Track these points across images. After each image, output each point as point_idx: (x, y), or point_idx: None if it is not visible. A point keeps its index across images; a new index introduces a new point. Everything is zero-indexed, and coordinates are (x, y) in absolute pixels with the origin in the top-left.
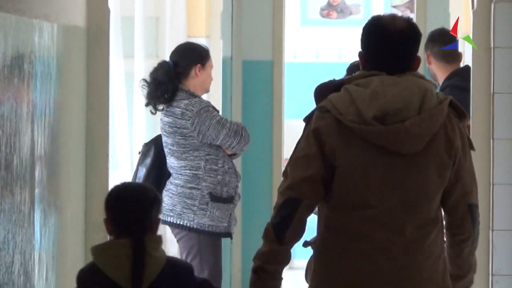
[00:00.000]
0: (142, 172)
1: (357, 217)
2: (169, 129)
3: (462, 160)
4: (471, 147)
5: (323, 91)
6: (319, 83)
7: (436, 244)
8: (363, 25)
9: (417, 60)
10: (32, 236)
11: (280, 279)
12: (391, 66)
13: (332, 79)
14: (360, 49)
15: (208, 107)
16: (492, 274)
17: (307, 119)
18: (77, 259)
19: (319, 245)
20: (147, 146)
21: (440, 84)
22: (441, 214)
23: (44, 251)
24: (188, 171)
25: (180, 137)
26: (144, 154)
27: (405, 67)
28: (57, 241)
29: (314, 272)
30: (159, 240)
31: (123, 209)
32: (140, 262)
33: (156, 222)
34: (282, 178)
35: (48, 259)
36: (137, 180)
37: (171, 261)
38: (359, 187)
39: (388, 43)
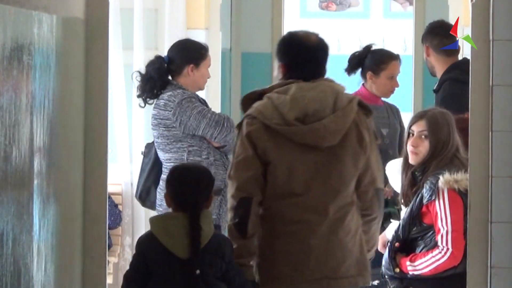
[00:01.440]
0: (144, 172)
1: (287, 205)
2: (154, 121)
3: (370, 151)
4: (376, 138)
5: (248, 100)
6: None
7: (353, 222)
8: (280, 40)
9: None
10: (31, 227)
11: (252, 267)
12: (308, 73)
13: (255, 89)
14: (279, 61)
15: (191, 98)
16: (491, 267)
17: (239, 126)
18: (76, 250)
19: (265, 231)
20: (148, 146)
21: (439, 76)
22: (355, 196)
23: (43, 243)
24: (172, 163)
25: (164, 129)
26: (145, 154)
27: (319, 74)
28: (56, 233)
29: (259, 252)
30: (209, 215)
31: (183, 186)
32: (195, 233)
33: (209, 200)
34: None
35: (47, 250)
36: (139, 181)
37: (216, 234)
38: (288, 179)
39: (305, 54)
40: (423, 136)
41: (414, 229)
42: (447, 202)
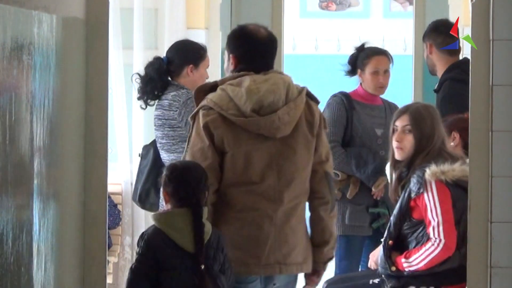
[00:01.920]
0: (143, 174)
1: (244, 192)
2: (159, 121)
3: (320, 136)
4: (325, 126)
5: (201, 92)
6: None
7: (303, 211)
8: (231, 31)
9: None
10: (31, 227)
11: None
12: (259, 65)
13: (207, 82)
14: (231, 53)
15: None
16: (490, 267)
17: (193, 118)
18: (76, 250)
19: (216, 217)
20: (146, 148)
21: (439, 75)
22: (308, 186)
23: (43, 242)
24: None
25: (169, 129)
26: (143, 156)
27: (269, 66)
28: (55, 232)
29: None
30: (206, 212)
31: (186, 183)
32: (200, 227)
33: (205, 196)
34: None
35: (46, 250)
36: (137, 184)
37: (214, 230)
38: (244, 168)
39: (257, 47)
40: (407, 131)
41: (405, 225)
42: (436, 193)
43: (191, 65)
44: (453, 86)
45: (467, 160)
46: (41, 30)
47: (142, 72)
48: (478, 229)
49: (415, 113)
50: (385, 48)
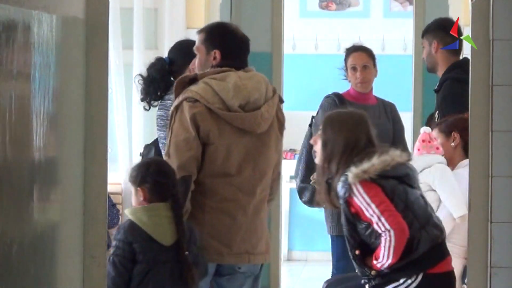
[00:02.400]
0: None
1: (222, 183)
2: (161, 122)
3: (281, 136)
4: (284, 128)
5: (182, 84)
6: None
7: (266, 204)
8: (213, 27)
9: None
10: (31, 227)
11: None
12: (241, 62)
13: (187, 74)
14: (215, 48)
15: None
16: (490, 266)
17: (175, 109)
18: (76, 250)
19: (192, 205)
20: (147, 147)
21: (440, 74)
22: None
23: (43, 242)
24: None
25: None
26: (144, 156)
27: (247, 64)
28: (56, 232)
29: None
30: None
31: (165, 178)
32: (181, 220)
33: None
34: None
35: (46, 250)
36: None
37: (187, 222)
38: (224, 160)
39: (240, 44)
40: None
41: (359, 229)
42: (363, 192)
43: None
44: (453, 86)
45: (387, 149)
46: (41, 30)
47: (144, 73)
48: (478, 229)
49: (324, 119)
50: (385, 48)
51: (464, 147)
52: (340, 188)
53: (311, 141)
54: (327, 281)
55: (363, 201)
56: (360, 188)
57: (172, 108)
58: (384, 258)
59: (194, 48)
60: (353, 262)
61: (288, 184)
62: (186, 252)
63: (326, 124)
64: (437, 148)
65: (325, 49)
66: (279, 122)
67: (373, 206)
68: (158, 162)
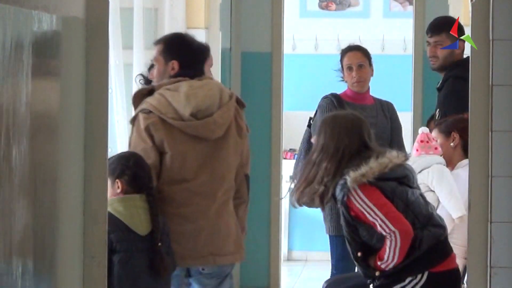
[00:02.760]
0: None
1: (179, 189)
2: None
3: (244, 140)
4: (248, 130)
5: (140, 96)
6: (136, 91)
7: (232, 205)
8: (171, 38)
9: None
10: (30, 226)
11: None
12: (197, 72)
13: (144, 86)
14: (173, 59)
15: None
16: (490, 266)
17: (133, 120)
18: (76, 250)
19: (160, 213)
20: None
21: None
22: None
23: (43, 242)
24: None
25: None
26: None
27: (203, 72)
28: (55, 232)
29: None
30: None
31: (142, 170)
32: (157, 210)
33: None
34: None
35: (46, 250)
36: None
37: (161, 216)
38: (180, 167)
39: (197, 54)
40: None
41: (361, 231)
42: (364, 196)
43: None
44: (456, 84)
45: (384, 152)
46: (41, 30)
47: (145, 73)
48: (478, 229)
49: (324, 121)
50: (385, 48)
51: (463, 147)
52: (338, 192)
53: (312, 140)
54: (326, 281)
55: (364, 205)
56: (360, 192)
57: (130, 120)
58: (389, 259)
59: (153, 59)
60: (356, 264)
61: (288, 184)
62: (160, 244)
63: (321, 127)
64: (436, 149)
65: (325, 49)
66: (238, 126)
67: (375, 209)
68: (136, 155)
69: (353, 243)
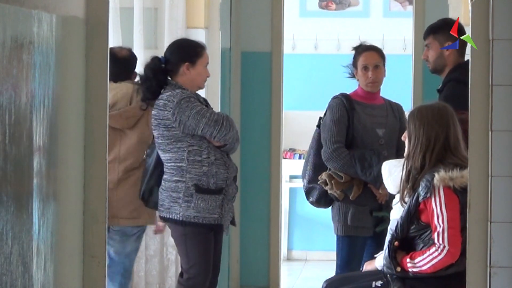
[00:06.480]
0: (147, 172)
1: None
2: (155, 121)
3: None
4: None
5: None
6: None
7: None
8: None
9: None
10: (31, 226)
11: None
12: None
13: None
14: None
15: (190, 97)
16: (490, 266)
17: None
18: (76, 250)
19: None
20: (151, 147)
21: (445, 75)
22: None
23: (43, 242)
24: (173, 163)
25: (164, 129)
26: (148, 155)
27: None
28: (55, 232)
29: None
30: None
31: None
32: None
33: None
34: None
35: (46, 249)
36: (142, 181)
37: None
38: None
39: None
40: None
41: (412, 227)
42: (443, 199)
43: (186, 63)
44: (456, 87)
45: None
46: (40, 29)
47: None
48: (478, 229)
49: (411, 113)
50: (385, 47)
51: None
52: (422, 186)
53: (402, 138)
54: (326, 281)
55: (438, 206)
56: (442, 193)
57: None
58: (420, 263)
59: None
60: (385, 250)
61: (288, 184)
62: None
63: (409, 119)
64: None
65: (325, 49)
66: None
67: (445, 216)
68: None
69: (399, 231)
